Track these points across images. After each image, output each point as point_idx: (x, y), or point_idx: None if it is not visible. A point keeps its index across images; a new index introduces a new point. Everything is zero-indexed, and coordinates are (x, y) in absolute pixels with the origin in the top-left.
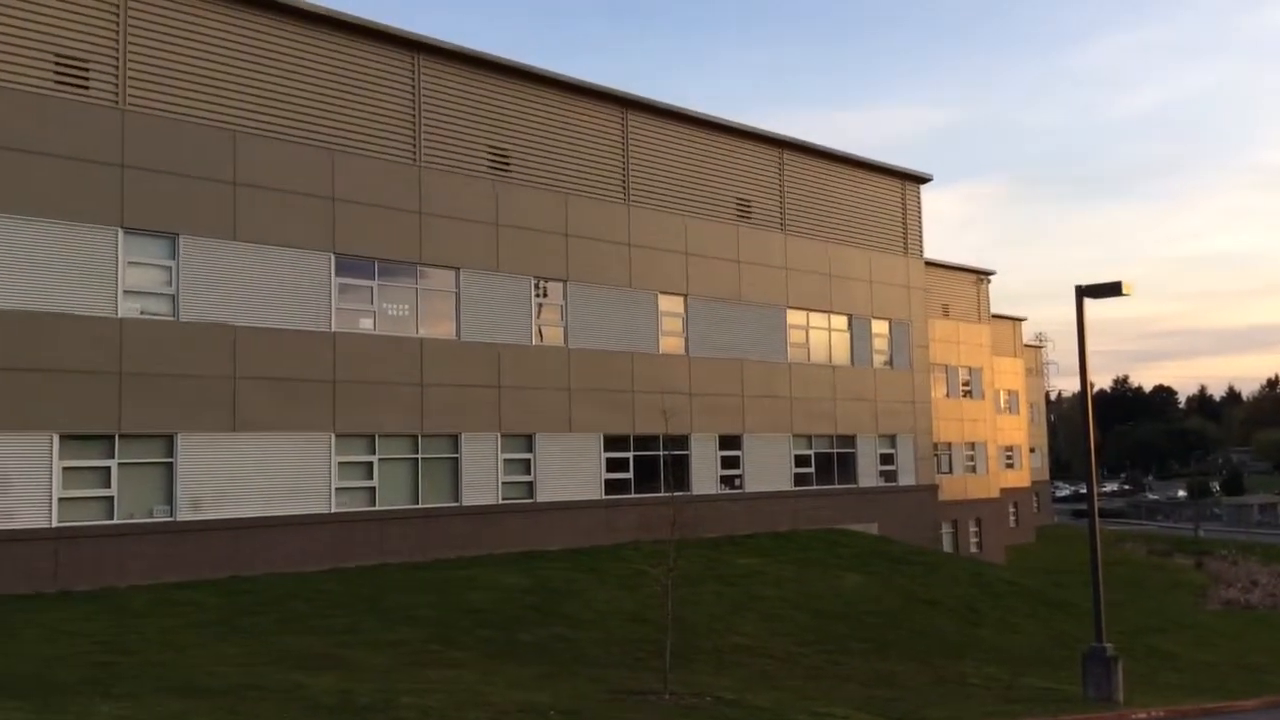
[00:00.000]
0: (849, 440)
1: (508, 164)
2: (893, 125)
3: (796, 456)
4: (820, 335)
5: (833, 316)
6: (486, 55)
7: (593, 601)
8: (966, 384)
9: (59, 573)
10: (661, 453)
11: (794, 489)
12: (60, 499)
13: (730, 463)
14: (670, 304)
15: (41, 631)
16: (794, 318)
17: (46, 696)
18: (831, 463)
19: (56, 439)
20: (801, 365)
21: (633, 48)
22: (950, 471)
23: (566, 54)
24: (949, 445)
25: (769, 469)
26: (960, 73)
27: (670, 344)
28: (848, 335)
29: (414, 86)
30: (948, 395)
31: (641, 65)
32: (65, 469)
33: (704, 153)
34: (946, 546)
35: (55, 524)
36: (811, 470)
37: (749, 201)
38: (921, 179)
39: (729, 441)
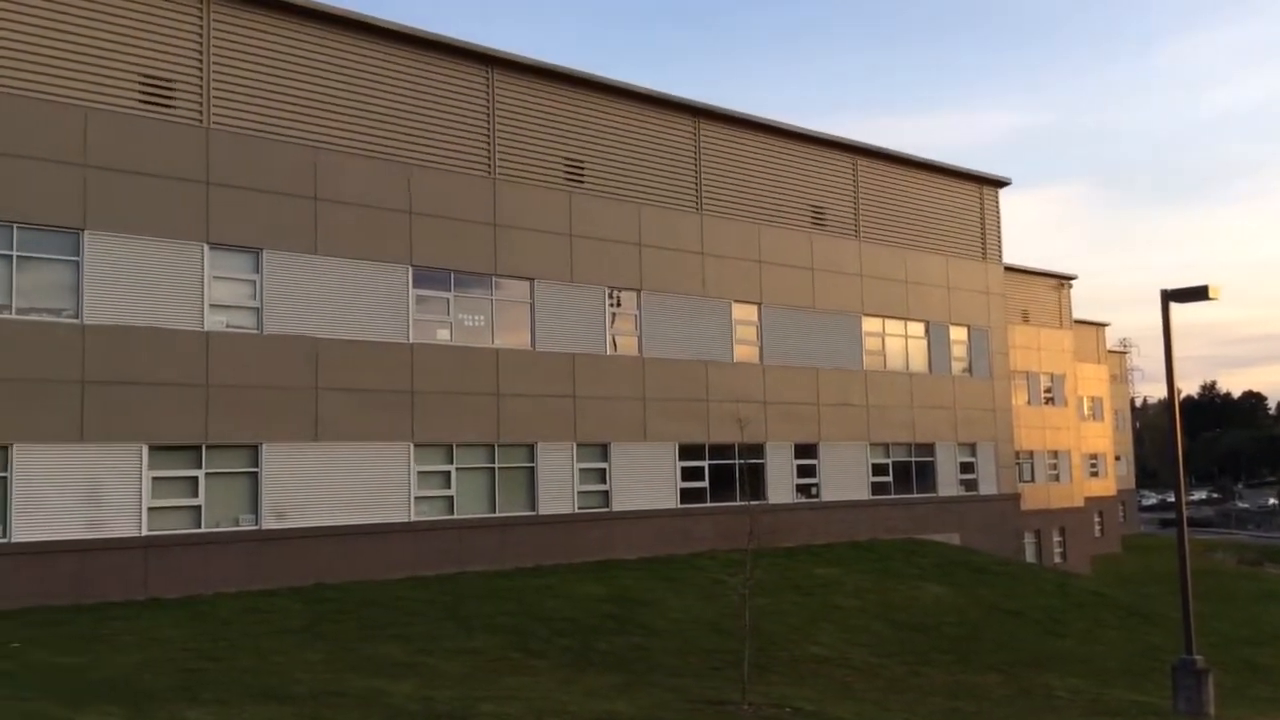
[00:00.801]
0: (928, 449)
1: (581, 175)
2: (972, 129)
3: (874, 465)
4: (897, 342)
5: (909, 323)
6: (559, 67)
7: (669, 611)
8: (1048, 391)
9: (149, 580)
10: (737, 461)
11: (872, 498)
12: (150, 508)
13: (806, 471)
14: (744, 312)
15: (133, 638)
16: (870, 325)
17: (138, 702)
18: (910, 472)
19: (146, 450)
20: (878, 373)
21: (702, 57)
22: (1033, 480)
23: (639, 64)
24: (1031, 453)
25: (846, 478)
26: (1042, 74)
27: (744, 352)
28: (925, 342)
29: (488, 100)
30: (1029, 402)
31: (712, 74)
32: (155, 479)
33: (777, 160)
34: (1029, 557)
35: (145, 533)
36: (890, 479)
37: (823, 209)
38: (1000, 183)
39: (805, 450)
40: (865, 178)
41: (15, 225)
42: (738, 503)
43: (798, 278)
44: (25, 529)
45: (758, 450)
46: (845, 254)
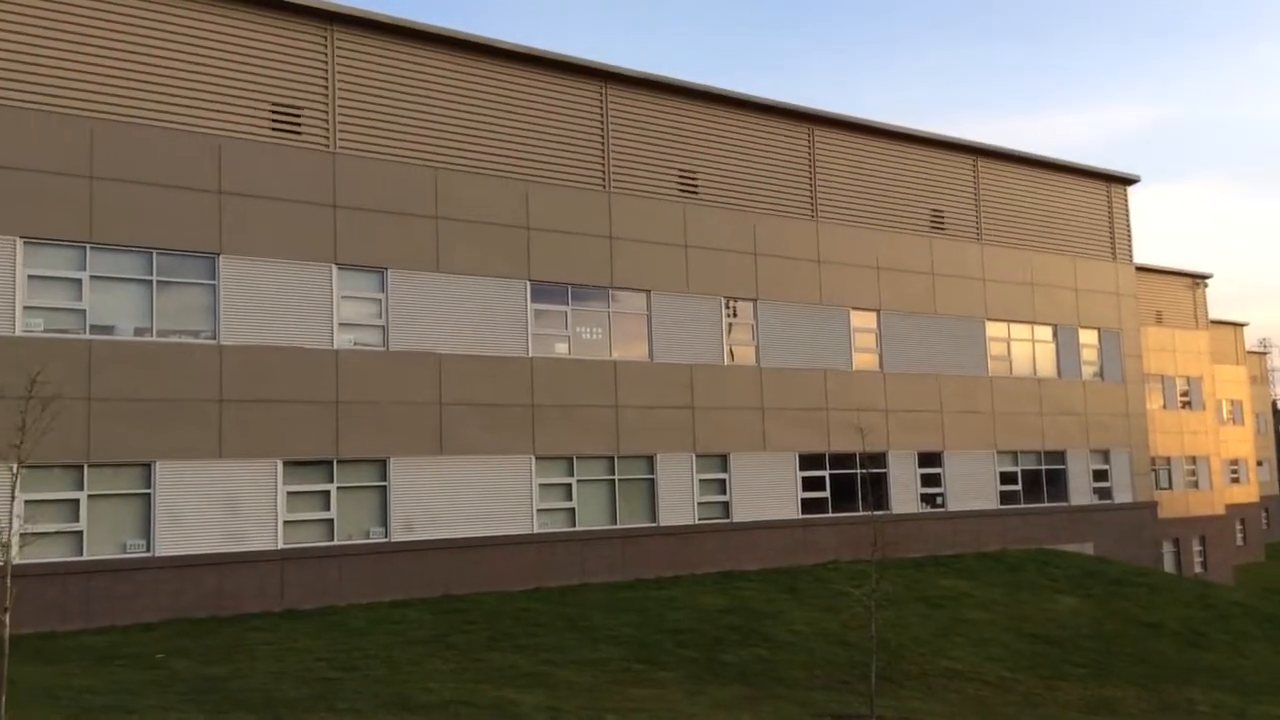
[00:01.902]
0: (1058, 456)
1: (695, 186)
2: (1098, 125)
3: (1002, 474)
4: (1023, 347)
5: (1036, 327)
6: (671, 80)
7: (793, 622)
8: (1185, 394)
9: (285, 592)
10: (859, 471)
11: (1000, 507)
12: (285, 522)
13: (931, 480)
14: (863, 319)
15: (270, 649)
16: (994, 329)
17: (277, 712)
18: (1040, 480)
19: (281, 465)
20: (1004, 379)
21: (813, 62)
22: (1170, 487)
23: (750, 72)
24: (1168, 460)
25: (973, 487)
26: (1170, 65)
27: (864, 360)
28: (1053, 346)
29: (602, 115)
30: (1164, 407)
31: (823, 79)
32: (289, 493)
33: (894, 164)
34: (1168, 566)
35: (281, 545)
36: (1019, 488)
37: (942, 212)
38: (1128, 180)
39: (929, 459)
40: (986, 179)
41: (155, 251)
42: (861, 513)
43: (918, 283)
44: (168, 543)
45: (880, 459)
46: (967, 257)
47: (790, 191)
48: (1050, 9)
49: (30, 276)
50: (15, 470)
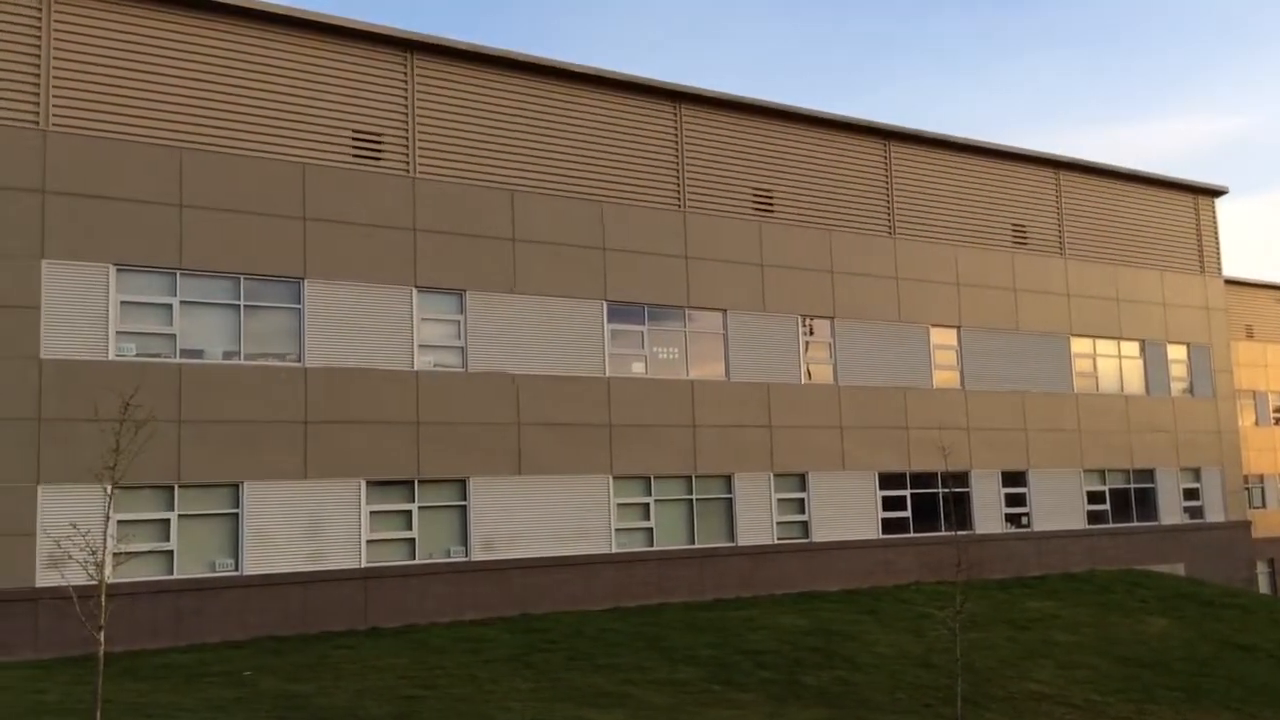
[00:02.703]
0: (1147, 474)
1: (771, 204)
2: (1183, 137)
3: (1089, 493)
4: (1109, 363)
5: (1122, 343)
6: (746, 99)
7: (875, 644)
8: (1278, 410)
9: (368, 610)
10: (940, 490)
11: (1088, 527)
12: (368, 541)
13: (1015, 500)
14: (943, 337)
15: (355, 667)
16: (1079, 345)
17: None
18: (1129, 499)
19: (364, 485)
20: (1090, 396)
21: (884, 78)
22: (1263, 506)
23: (824, 89)
24: (1261, 477)
25: (1059, 506)
26: (1257, 73)
27: (944, 378)
28: (1140, 362)
29: (677, 134)
30: (1257, 423)
31: (896, 95)
32: (372, 513)
33: (972, 179)
34: (1263, 587)
35: (364, 564)
36: (1106, 507)
37: (1024, 226)
38: (1216, 191)
39: (1013, 478)
40: (1069, 192)
41: (243, 276)
42: (943, 533)
43: (999, 299)
44: (255, 562)
45: (962, 478)
46: (1050, 272)
47: (867, 208)
48: (1123, 16)
49: (123, 302)
50: (109, 491)
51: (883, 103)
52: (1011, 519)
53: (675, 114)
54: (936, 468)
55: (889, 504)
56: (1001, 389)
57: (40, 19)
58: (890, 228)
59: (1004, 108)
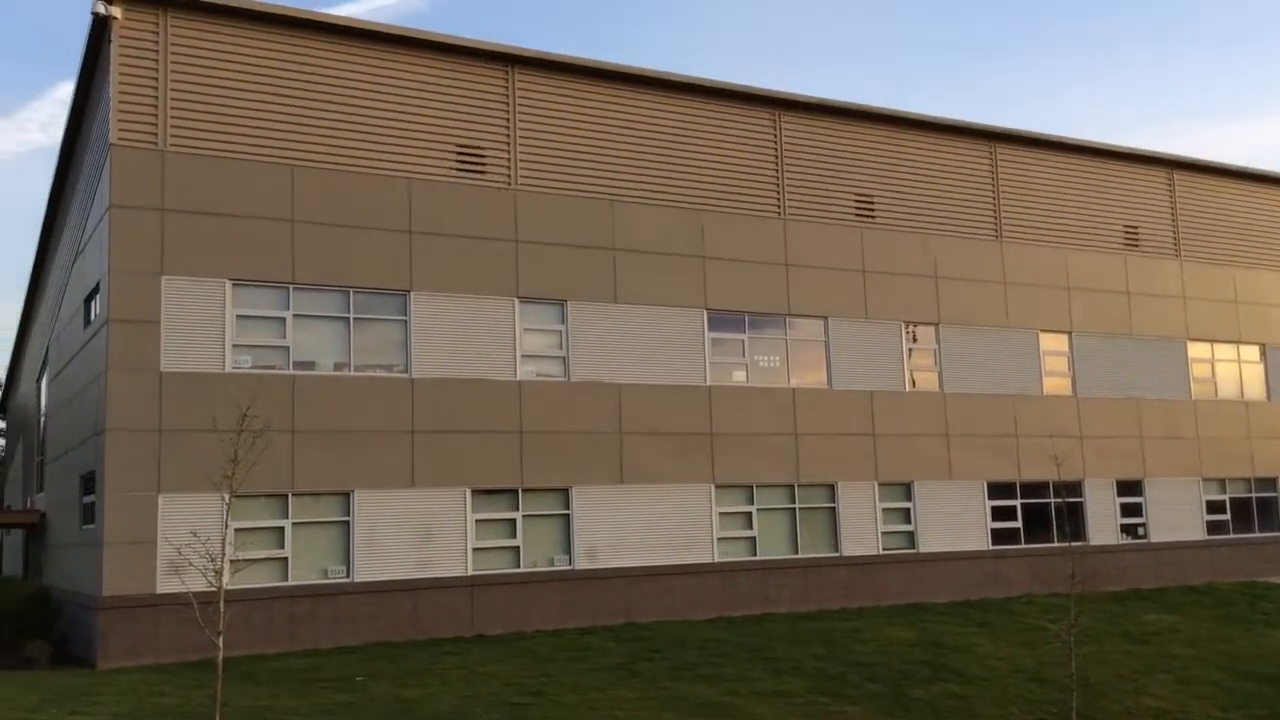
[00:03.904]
0: (1269, 483)
1: (872, 209)
2: None
3: (1209, 502)
4: (1228, 368)
5: (1242, 347)
6: (845, 104)
7: (985, 658)
8: None
9: (474, 618)
10: (1052, 500)
11: (1207, 538)
12: (474, 549)
13: (1131, 510)
14: (1053, 342)
15: (462, 673)
16: (1196, 350)
17: None
18: (1250, 509)
19: (469, 493)
20: (1208, 402)
21: (987, 80)
22: None
23: (931, 93)
24: None
25: (1177, 516)
26: None
27: (1055, 384)
28: (1262, 367)
29: (776, 141)
30: None
31: (1004, 96)
32: (478, 521)
33: (1081, 180)
34: None
35: (470, 572)
36: (1227, 517)
37: (1136, 228)
38: None
39: (1128, 487)
40: (1183, 192)
41: (352, 290)
42: (1056, 544)
43: (1111, 303)
44: (365, 569)
45: (1075, 488)
46: (1165, 275)
47: (972, 212)
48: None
49: (239, 316)
50: (227, 499)
51: (981, 105)
52: (1127, 529)
53: (774, 121)
54: (1048, 477)
55: (999, 514)
56: (1116, 396)
57: (157, 43)
58: (997, 231)
59: (1108, 108)
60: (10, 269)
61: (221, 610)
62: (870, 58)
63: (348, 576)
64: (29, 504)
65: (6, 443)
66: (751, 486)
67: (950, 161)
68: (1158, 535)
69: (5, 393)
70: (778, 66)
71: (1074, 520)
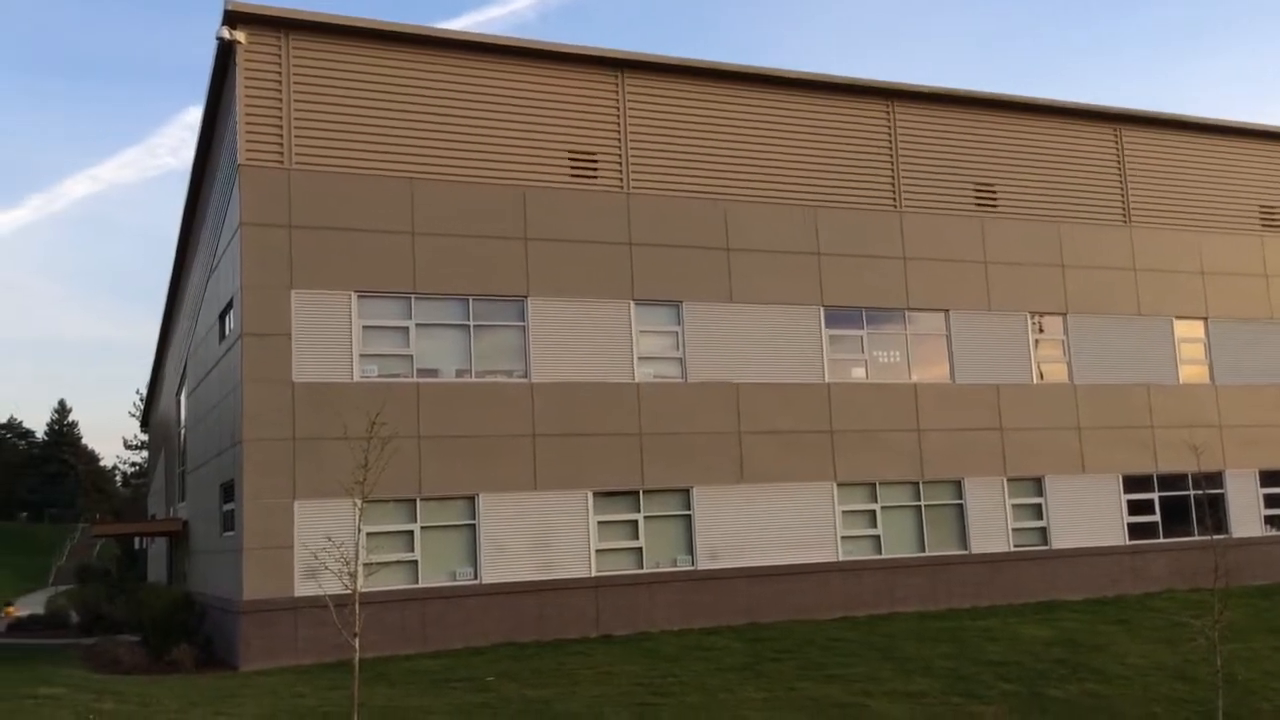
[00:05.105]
0: None
1: (994, 198)
2: None
3: None
4: None
5: None
6: (961, 92)
7: (1125, 656)
8: None
9: (599, 618)
10: (1192, 492)
11: None
12: (597, 550)
13: (1276, 501)
14: (1188, 329)
15: (590, 673)
16: None
17: None
18: None
19: (591, 496)
20: None
21: (1112, 59)
22: None
23: (1044, 77)
24: None
25: None
26: None
27: (1192, 372)
28: None
29: (890, 133)
30: None
31: (1125, 76)
32: (600, 523)
33: (1212, 160)
34: None
35: (594, 573)
36: None
37: (1273, 207)
38: None
39: (1272, 477)
40: None
41: (471, 298)
42: (1197, 537)
43: (1250, 286)
44: (492, 571)
45: (1216, 479)
46: None
47: (1099, 197)
48: None
49: (365, 327)
50: (359, 505)
51: (1105, 89)
52: (1271, 521)
53: (888, 113)
54: (1187, 468)
55: (1135, 508)
56: (1258, 382)
57: (280, 65)
58: (1125, 216)
59: (1229, 86)
60: (146, 288)
61: (357, 612)
62: (972, 46)
63: (475, 578)
64: (172, 513)
65: (149, 455)
66: (874, 484)
67: (1073, 146)
68: None
69: (146, 408)
70: (885, 59)
71: (1215, 512)
